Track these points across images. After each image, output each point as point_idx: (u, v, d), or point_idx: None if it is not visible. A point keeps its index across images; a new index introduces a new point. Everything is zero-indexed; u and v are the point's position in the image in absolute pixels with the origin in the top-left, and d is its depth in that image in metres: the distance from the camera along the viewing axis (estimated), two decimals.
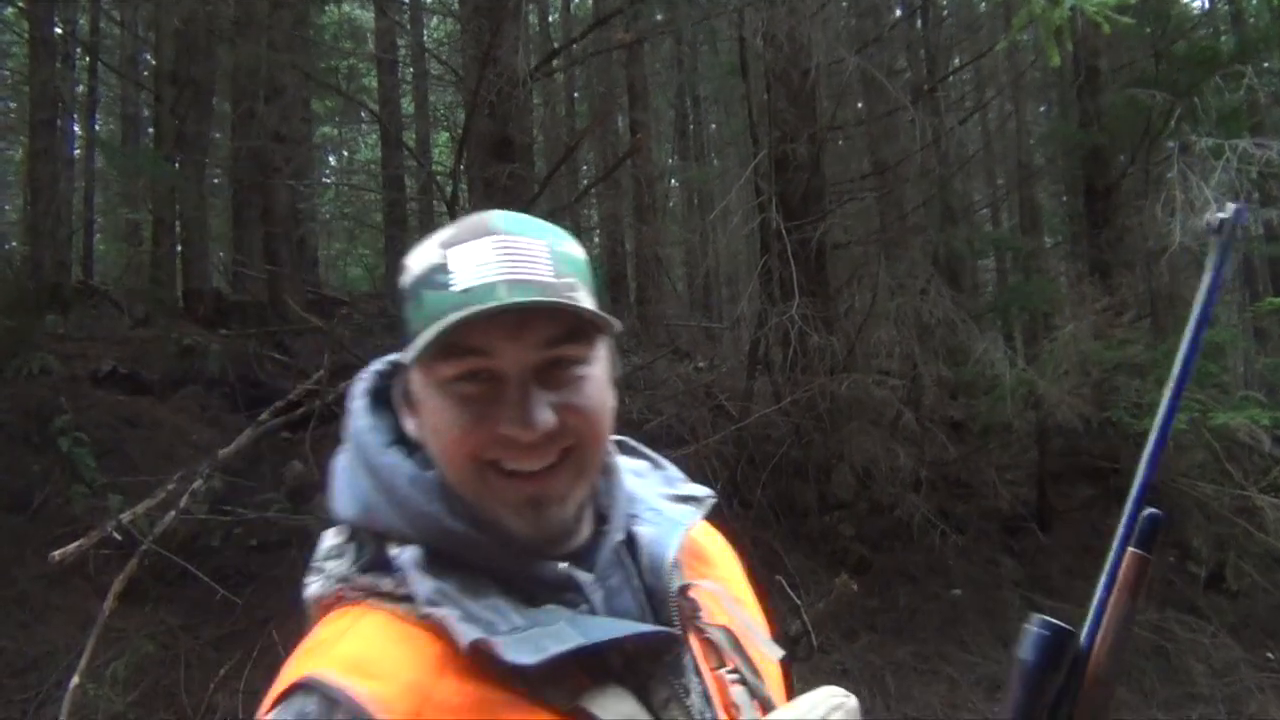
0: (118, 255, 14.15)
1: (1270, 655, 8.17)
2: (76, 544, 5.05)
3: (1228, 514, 7.80)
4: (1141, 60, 8.69)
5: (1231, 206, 1.16)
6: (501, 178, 6.34)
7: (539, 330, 0.94)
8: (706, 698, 1.00)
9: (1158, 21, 8.51)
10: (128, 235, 13.88)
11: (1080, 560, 8.93)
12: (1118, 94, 8.47)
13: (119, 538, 5.40)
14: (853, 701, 1.05)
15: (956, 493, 8.70)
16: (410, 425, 1.01)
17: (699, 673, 1.01)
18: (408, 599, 0.93)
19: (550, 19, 16.95)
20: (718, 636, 1.05)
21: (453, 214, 6.69)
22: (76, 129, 14.88)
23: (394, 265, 11.60)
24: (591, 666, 0.92)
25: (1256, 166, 6.76)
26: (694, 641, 1.03)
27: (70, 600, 6.12)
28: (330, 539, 1.03)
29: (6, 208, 17.99)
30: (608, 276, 15.79)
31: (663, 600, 1.02)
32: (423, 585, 0.92)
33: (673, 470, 1.19)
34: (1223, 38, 7.87)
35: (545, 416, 0.93)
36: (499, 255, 0.95)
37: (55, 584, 6.17)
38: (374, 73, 15.03)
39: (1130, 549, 1.14)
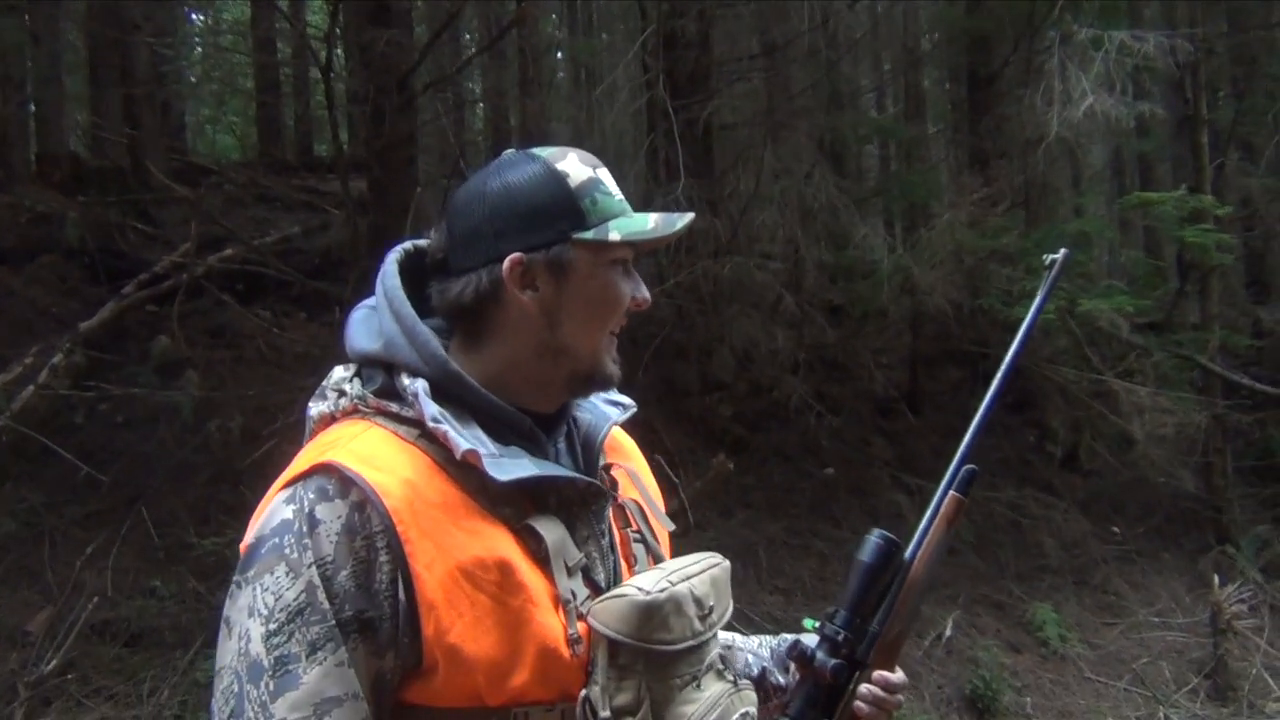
0: None
1: (1116, 530, 8.70)
2: None
3: (1084, 398, 8.16)
4: None
5: (1062, 251, 1.64)
6: (379, 43, 6.06)
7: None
8: (612, 546, 1.31)
9: None
10: None
11: (947, 441, 9.25)
12: None
13: None
14: (726, 563, 1.37)
15: (833, 375, 8.90)
16: (529, 296, 1.26)
17: (610, 527, 1.32)
18: (408, 422, 1.21)
19: None
20: (629, 505, 1.36)
21: (327, 82, 6.40)
22: None
23: (267, 133, 11.12)
24: (536, 498, 1.22)
25: (1134, 59, 6.89)
26: (609, 506, 1.33)
27: None
28: (340, 371, 1.30)
29: None
30: (491, 152, 15.45)
31: (593, 467, 1.34)
32: (429, 407, 1.19)
33: None
34: None
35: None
36: (616, 183, 1.33)
37: None
38: None
39: (952, 492, 1.51)
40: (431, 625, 1.12)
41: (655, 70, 7.53)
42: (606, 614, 1.18)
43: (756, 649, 1.64)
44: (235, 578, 1.15)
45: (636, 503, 1.38)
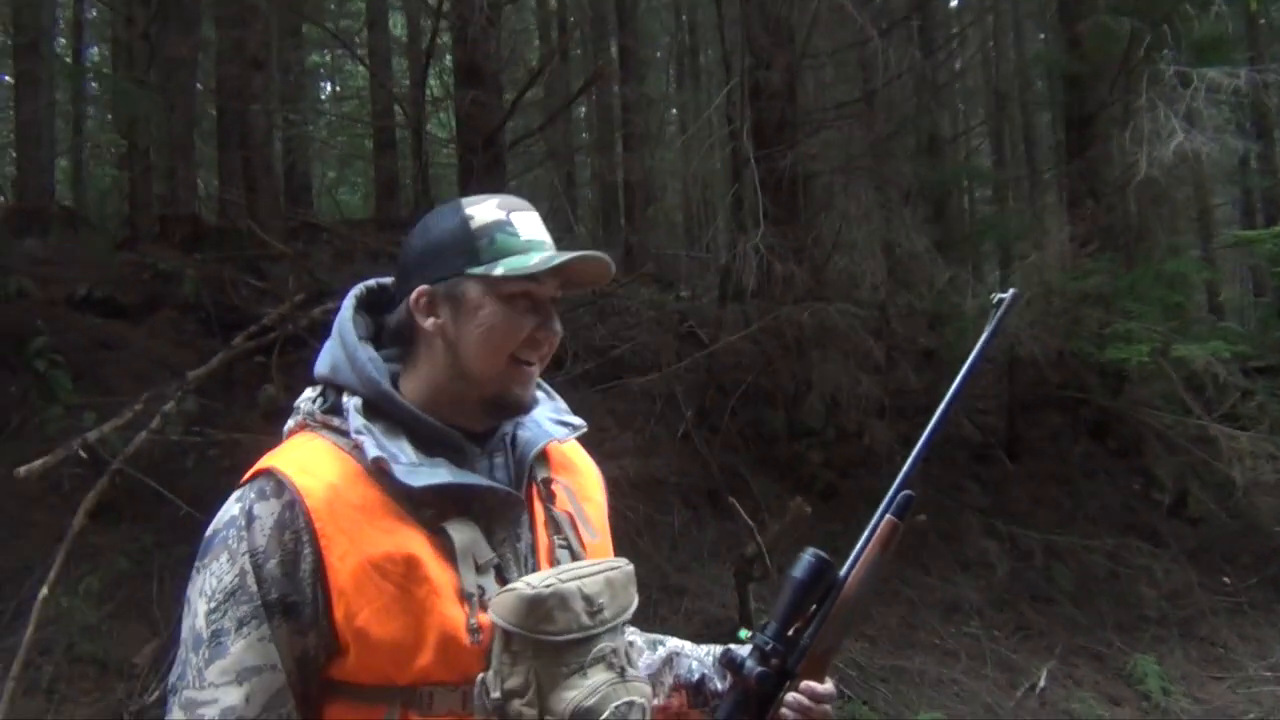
0: (103, 180, 14.18)
1: (1227, 580, 8.35)
2: (41, 460, 5.19)
3: (1185, 444, 7.90)
4: None
5: (1011, 291, 1.68)
6: (465, 103, 6.36)
7: (558, 277, 1.44)
8: (534, 550, 1.45)
9: None
10: (118, 160, 13.88)
11: (1046, 488, 9.09)
12: (1096, 20, 8.39)
13: (84, 455, 5.52)
14: (629, 568, 1.49)
15: (923, 421, 8.72)
16: (431, 322, 1.43)
17: (534, 533, 1.46)
18: (345, 434, 1.39)
19: None
20: (560, 518, 1.50)
21: (418, 140, 6.73)
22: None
23: (381, 192, 11.62)
24: (460, 504, 1.37)
25: (1223, 96, 6.74)
26: (541, 515, 1.49)
27: (47, 517, 6.26)
28: (307, 393, 1.49)
29: None
30: (598, 203, 15.81)
31: (521, 479, 1.48)
32: (355, 420, 1.38)
33: (561, 403, 1.64)
34: None
35: (556, 330, 1.45)
36: (539, 224, 1.48)
37: (33, 502, 6.31)
38: None
39: (888, 516, 1.58)
40: (342, 610, 1.29)
41: (738, 121, 7.67)
42: (499, 606, 1.32)
43: (703, 656, 1.74)
44: (195, 563, 1.35)
45: (569, 515, 1.51)
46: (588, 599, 1.37)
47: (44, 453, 5.96)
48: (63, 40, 15.35)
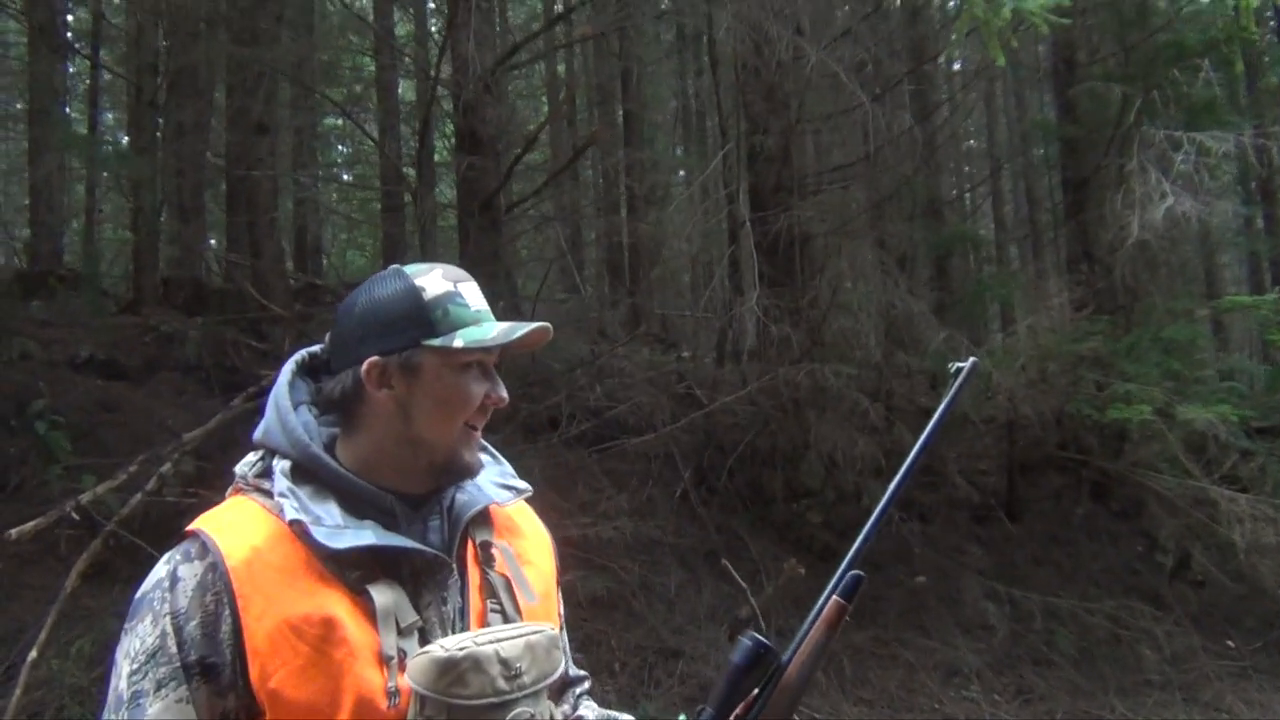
0: (112, 244, 14.38)
1: (1231, 643, 8.24)
2: (34, 522, 5.21)
3: (1186, 506, 7.86)
4: (1115, 53, 8.71)
5: (970, 360, 1.64)
6: (461, 169, 6.46)
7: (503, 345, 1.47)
8: (464, 614, 1.44)
9: (1131, 13, 8.52)
10: (129, 224, 14.06)
11: (1048, 549, 9.02)
12: (1088, 85, 8.51)
13: (78, 518, 5.54)
14: (554, 633, 1.48)
15: (923, 481, 8.78)
16: (385, 393, 1.45)
17: (466, 596, 1.46)
18: (273, 496, 1.39)
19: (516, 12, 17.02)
20: (496, 581, 1.50)
21: (418, 205, 6.83)
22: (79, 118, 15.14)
23: (388, 255, 11.73)
24: (387, 566, 1.37)
25: (1211, 159, 6.81)
26: (477, 578, 1.49)
27: (42, 579, 6.27)
28: (249, 456, 1.50)
29: (10, 197, 18.23)
30: (602, 264, 15.93)
31: (453, 542, 1.48)
32: (280, 483, 1.40)
33: (507, 467, 1.66)
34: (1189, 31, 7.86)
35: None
36: (481, 294, 1.51)
37: (28, 563, 6.34)
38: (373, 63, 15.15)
39: (835, 597, 1.51)
40: (257, 670, 1.29)
41: (734, 185, 7.77)
42: (414, 669, 1.32)
43: None
44: (124, 625, 1.37)
45: (506, 578, 1.51)
46: (505, 663, 1.36)
47: (42, 514, 6.00)
48: (78, 107, 15.66)
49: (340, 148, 23.35)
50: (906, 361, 8.17)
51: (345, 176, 20.26)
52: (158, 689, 1.30)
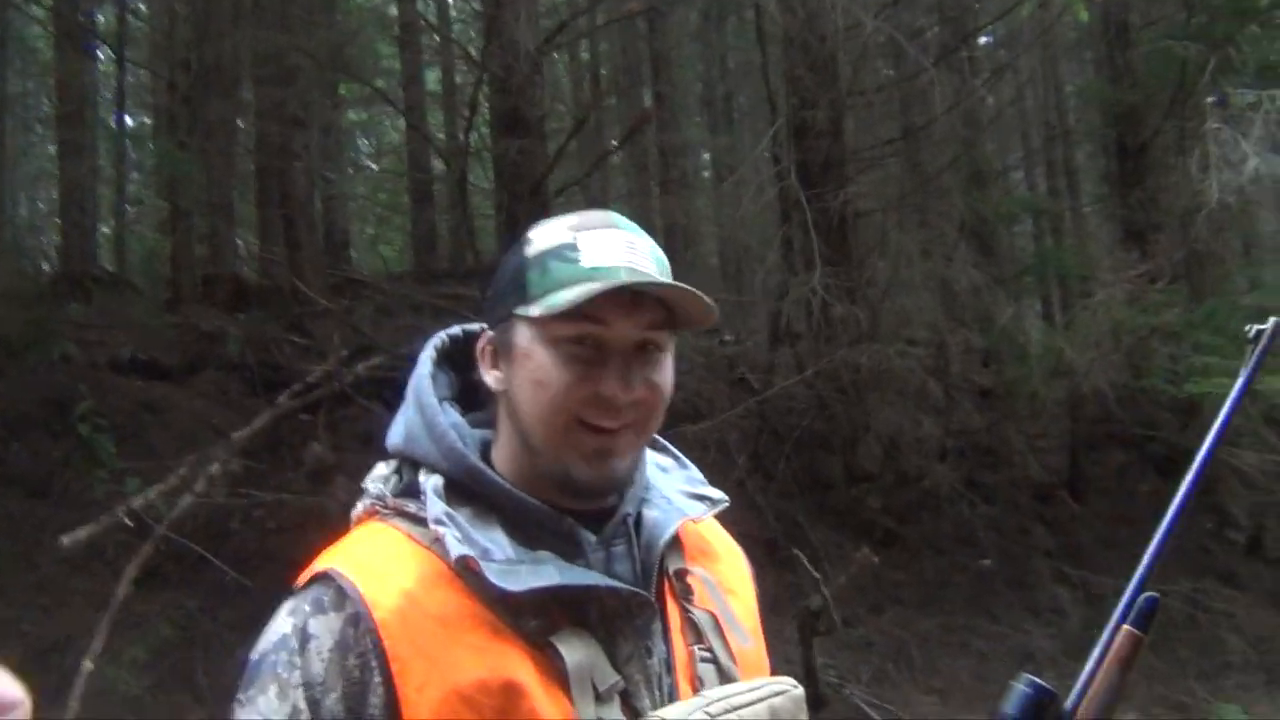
0: (145, 243, 14.27)
1: None
2: (86, 528, 5.05)
3: (1266, 480, 7.57)
4: (1172, 12, 8.39)
5: (1271, 320, 1.31)
6: (511, 153, 6.24)
7: (645, 314, 1.09)
8: (669, 665, 1.12)
9: None
10: (159, 224, 13.98)
11: (1113, 529, 8.74)
12: (1151, 48, 8.19)
13: (130, 523, 5.39)
14: (798, 692, 1.14)
15: (985, 462, 8.53)
16: (493, 376, 1.15)
17: (669, 642, 1.13)
18: (424, 523, 1.08)
19: None
20: (701, 619, 1.16)
21: (462, 191, 6.62)
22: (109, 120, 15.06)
23: (420, 245, 11.60)
24: (573, 610, 1.06)
25: None
26: (676, 617, 1.15)
27: (91, 585, 6.14)
28: (380, 469, 1.19)
29: (39, 201, 18.21)
30: None
31: (649, 573, 1.14)
32: (435, 507, 1.07)
33: (695, 472, 1.30)
34: None
35: (639, 385, 1.09)
36: (623, 245, 1.11)
37: (77, 569, 6.21)
38: (397, 53, 14.99)
39: (1126, 626, 1.20)
40: None
41: (786, 162, 7.52)
42: None
43: None
44: (237, 695, 1.05)
45: (711, 615, 1.18)
46: None
47: (87, 519, 5.85)
48: (106, 108, 15.57)
49: (362, 141, 23.31)
50: (966, 338, 7.90)
51: (373, 168, 20.09)
52: None
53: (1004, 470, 8.54)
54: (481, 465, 1.12)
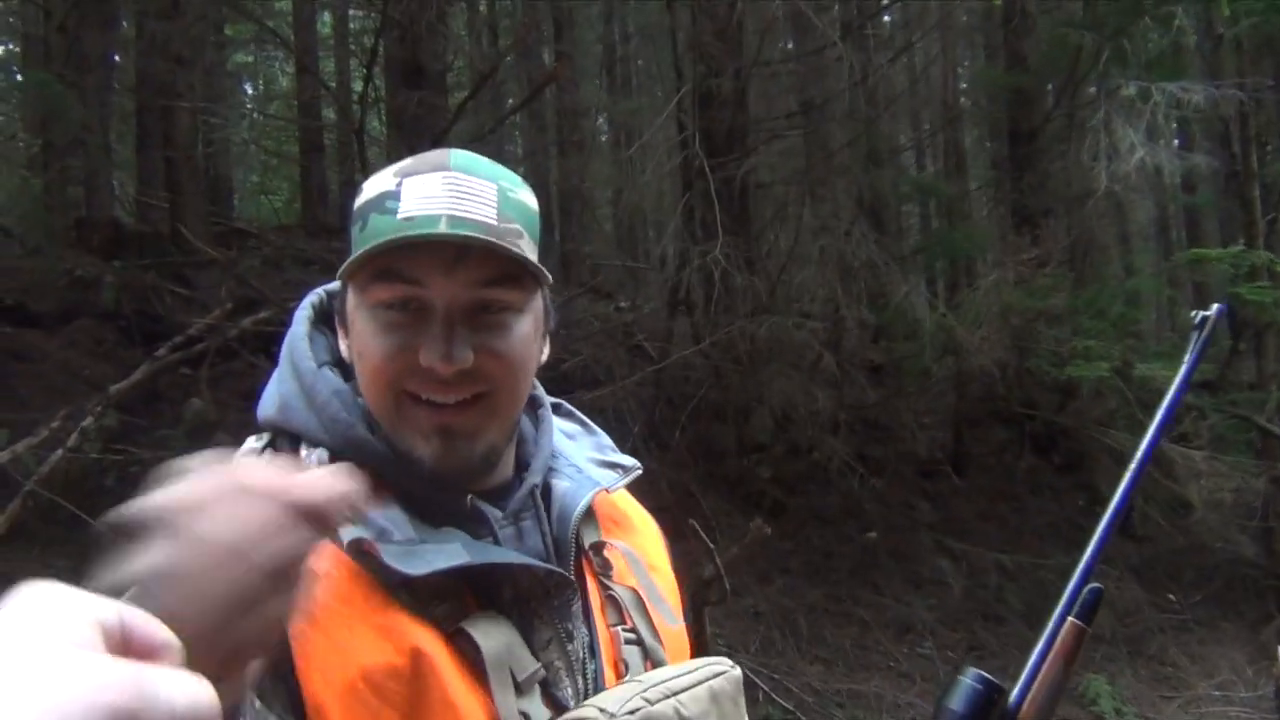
0: (14, 181, 13.49)
1: (1172, 597, 8.35)
2: None
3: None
4: (1069, 3, 8.59)
5: (1215, 307, 1.29)
6: (411, 105, 6.05)
7: (473, 269, 0.95)
8: (592, 648, 1.02)
9: None
10: (30, 160, 13.21)
11: (993, 504, 9.03)
12: (1047, 35, 8.37)
13: None
14: (736, 672, 1.05)
15: (875, 436, 8.70)
16: (344, 346, 1.04)
17: (590, 624, 1.03)
18: None
19: None
20: (623, 596, 1.07)
21: (360, 143, 6.41)
22: None
23: (309, 197, 11.23)
24: (482, 594, 0.96)
25: (1182, 112, 6.72)
26: (596, 596, 1.05)
27: None
28: (250, 443, 1.03)
29: None
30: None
31: (564, 548, 1.04)
32: None
33: (604, 438, 1.21)
34: None
35: (464, 354, 0.95)
36: (447, 190, 0.96)
37: None
38: None
39: (1070, 619, 1.16)
40: None
41: (691, 129, 7.47)
42: None
43: None
44: None
45: (634, 591, 1.07)
46: None
47: None
48: None
49: (248, 87, 22.44)
50: (860, 314, 8.01)
51: (259, 115, 19.38)
52: None
53: (892, 445, 8.72)
54: (368, 435, 0.99)
